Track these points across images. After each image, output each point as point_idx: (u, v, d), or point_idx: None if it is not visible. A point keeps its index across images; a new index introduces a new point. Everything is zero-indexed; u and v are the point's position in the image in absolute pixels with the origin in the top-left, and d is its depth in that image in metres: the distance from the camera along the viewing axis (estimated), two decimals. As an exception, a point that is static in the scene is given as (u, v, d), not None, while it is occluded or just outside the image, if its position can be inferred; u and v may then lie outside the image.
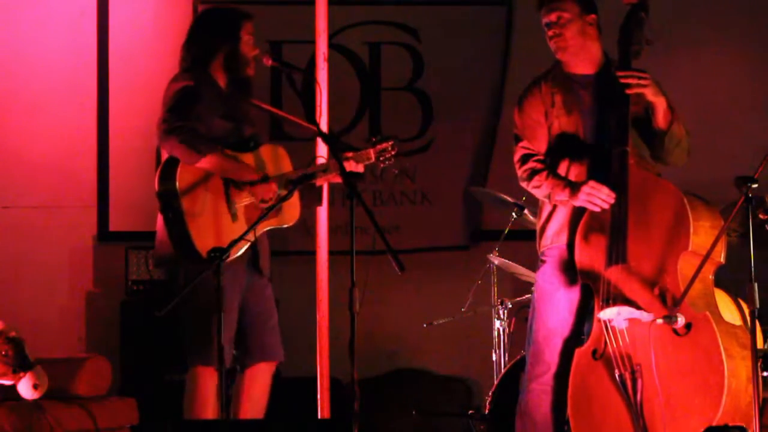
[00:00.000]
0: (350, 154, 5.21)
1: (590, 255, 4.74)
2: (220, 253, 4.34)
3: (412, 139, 7.46)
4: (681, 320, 4.50)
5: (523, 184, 4.94)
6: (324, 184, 5.44)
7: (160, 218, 5.06)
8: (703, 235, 4.59)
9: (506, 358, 6.24)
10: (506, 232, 6.28)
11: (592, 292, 4.75)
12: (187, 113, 4.98)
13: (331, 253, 5.61)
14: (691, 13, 7.37)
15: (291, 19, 7.26)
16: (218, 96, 5.15)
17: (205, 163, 4.95)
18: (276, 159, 5.22)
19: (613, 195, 4.67)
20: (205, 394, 5.01)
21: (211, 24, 5.23)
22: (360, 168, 5.22)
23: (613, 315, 4.62)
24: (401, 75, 7.60)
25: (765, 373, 4.88)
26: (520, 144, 4.94)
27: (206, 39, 5.17)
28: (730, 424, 4.33)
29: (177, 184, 4.92)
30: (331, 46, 6.06)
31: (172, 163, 4.97)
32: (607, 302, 4.66)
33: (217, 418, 4.86)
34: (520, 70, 7.25)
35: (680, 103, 4.92)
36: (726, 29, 7.43)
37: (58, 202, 7.31)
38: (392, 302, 7.26)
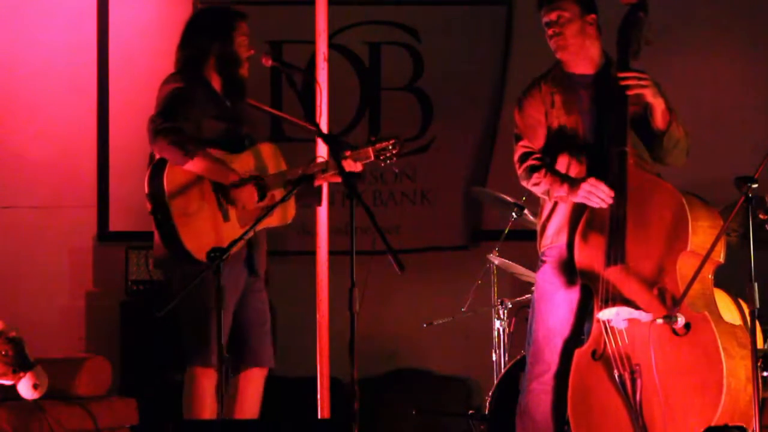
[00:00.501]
0: (348, 153, 5.18)
1: (589, 255, 4.74)
2: (220, 253, 4.34)
3: (412, 139, 7.45)
4: (680, 320, 4.50)
5: (523, 183, 4.95)
6: (324, 184, 5.43)
7: None
8: (702, 235, 4.59)
9: (506, 358, 6.23)
10: (506, 232, 6.28)
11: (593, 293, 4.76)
12: (176, 115, 4.97)
13: (331, 253, 5.61)
14: (690, 14, 7.36)
15: (291, 19, 7.26)
16: (210, 97, 5.13)
17: (193, 165, 4.94)
18: (276, 158, 5.21)
19: (612, 193, 4.68)
20: (203, 394, 5.00)
21: (203, 24, 5.21)
22: (359, 167, 5.20)
23: (612, 315, 4.62)
24: (401, 75, 7.59)
25: (765, 373, 4.88)
26: (520, 143, 4.95)
27: (198, 39, 5.16)
28: (730, 424, 4.34)
29: (165, 185, 4.91)
30: (331, 46, 6.06)
31: (160, 165, 4.97)
32: (606, 302, 4.66)
33: (216, 418, 4.87)
34: (520, 70, 7.25)
35: (680, 103, 4.92)
36: (726, 29, 7.43)
37: (58, 202, 7.31)
38: (392, 302, 7.25)
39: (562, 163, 4.87)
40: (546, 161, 4.88)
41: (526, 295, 6.13)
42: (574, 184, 4.76)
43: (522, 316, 6.17)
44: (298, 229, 6.93)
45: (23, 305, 7.03)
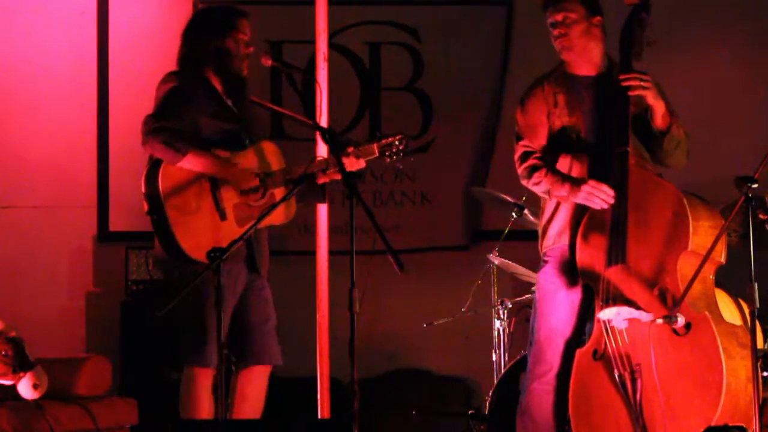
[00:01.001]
0: (351, 149, 5.16)
1: (590, 255, 4.74)
2: (220, 253, 4.34)
3: (412, 139, 7.44)
4: (681, 320, 4.50)
5: (524, 182, 4.95)
6: (326, 181, 5.41)
7: None
8: (703, 234, 4.59)
9: (506, 358, 6.23)
10: (506, 232, 6.28)
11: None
12: (169, 114, 4.97)
13: (331, 253, 5.60)
14: (692, 14, 7.37)
15: (291, 19, 7.26)
16: (209, 95, 5.12)
17: (188, 162, 4.93)
18: (278, 156, 5.21)
19: (613, 194, 4.68)
20: (200, 394, 4.99)
21: (202, 23, 5.20)
22: (361, 164, 5.18)
23: (612, 315, 4.62)
24: (401, 75, 7.60)
25: (765, 373, 4.88)
26: (521, 143, 4.95)
27: (198, 38, 5.15)
28: (730, 424, 4.33)
29: (159, 185, 4.91)
30: (331, 46, 6.05)
31: (155, 165, 4.97)
32: (607, 302, 4.66)
33: (212, 418, 4.87)
34: (520, 70, 7.26)
35: (681, 104, 4.92)
36: (726, 30, 7.43)
37: (58, 202, 7.31)
38: (392, 302, 7.25)
39: (564, 163, 4.87)
40: (547, 161, 4.88)
41: (526, 295, 6.13)
42: (575, 184, 4.76)
43: (522, 316, 6.18)
44: (299, 228, 6.94)
45: (23, 305, 7.02)
